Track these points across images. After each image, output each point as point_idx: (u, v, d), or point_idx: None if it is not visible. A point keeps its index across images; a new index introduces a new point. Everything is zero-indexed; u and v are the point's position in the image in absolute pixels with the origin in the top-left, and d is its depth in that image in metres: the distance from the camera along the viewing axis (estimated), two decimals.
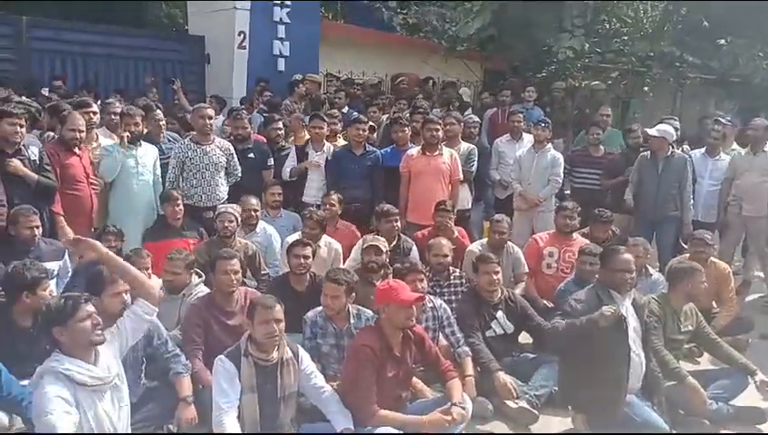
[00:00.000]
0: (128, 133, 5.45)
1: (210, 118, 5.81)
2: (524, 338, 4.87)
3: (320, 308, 4.09)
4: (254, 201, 5.61)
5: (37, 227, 4.44)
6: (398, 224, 5.50)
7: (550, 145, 6.77)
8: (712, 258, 5.44)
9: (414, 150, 6.21)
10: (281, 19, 10.31)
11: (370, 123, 6.95)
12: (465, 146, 6.59)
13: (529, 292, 5.37)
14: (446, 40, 12.29)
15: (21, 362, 3.49)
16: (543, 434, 4.05)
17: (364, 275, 4.67)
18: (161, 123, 6.23)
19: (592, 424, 3.80)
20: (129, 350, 3.29)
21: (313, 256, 4.79)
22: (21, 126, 4.66)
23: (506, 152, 7.17)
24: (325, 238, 5.37)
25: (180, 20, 13.00)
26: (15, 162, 4.60)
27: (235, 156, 5.94)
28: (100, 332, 2.85)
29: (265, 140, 6.74)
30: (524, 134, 7.26)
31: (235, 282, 4.17)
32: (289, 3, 10.32)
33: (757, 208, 6.34)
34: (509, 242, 5.65)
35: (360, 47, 11.67)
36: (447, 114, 7.11)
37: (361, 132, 6.33)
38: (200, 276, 4.59)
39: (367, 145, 6.42)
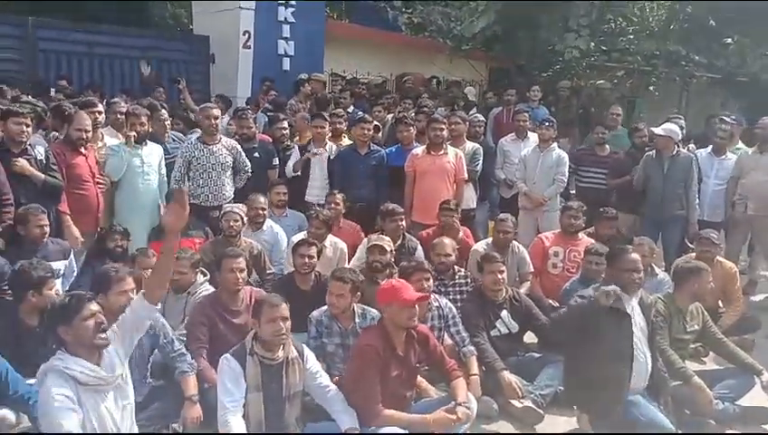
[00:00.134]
0: (134, 133, 5.47)
1: (216, 118, 5.83)
2: (529, 338, 4.86)
3: (325, 307, 4.09)
4: (261, 200, 5.63)
5: (46, 226, 4.46)
6: (403, 223, 5.50)
7: (555, 144, 6.76)
8: (718, 258, 5.43)
9: (419, 150, 6.21)
10: (285, 19, 10.32)
11: (375, 123, 6.95)
12: (470, 145, 6.59)
13: (534, 291, 5.36)
14: (450, 39, 12.27)
15: (27, 361, 3.49)
16: (548, 434, 4.04)
17: (369, 275, 4.67)
18: (166, 123, 6.25)
19: (597, 424, 3.80)
20: (135, 348, 3.29)
21: (319, 256, 4.80)
22: (27, 125, 4.69)
23: (511, 151, 7.17)
24: (330, 238, 5.37)
25: (185, 20, 13.01)
26: (22, 162, 4.62)
27: (242, 153, 5.97)
28: (104, 335, 2.83)
29: (270, 140, 6.75)
30: (530, 133, 7.25)
31: (240, 280, 4.17)
32: (294, 2, 10.34)
33: (764, 207, 6.31)
34: (514, 241, 5.64)
35: (364, 47, 11.67)
36: (453, 113, 7.11)
37: (366, 132, 6.33)
38: (205, 275, 4.60)
39: (372, 144, 6.42)
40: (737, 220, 6.54)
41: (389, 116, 7.92)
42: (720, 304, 5.48)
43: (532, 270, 5.58)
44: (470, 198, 6.49)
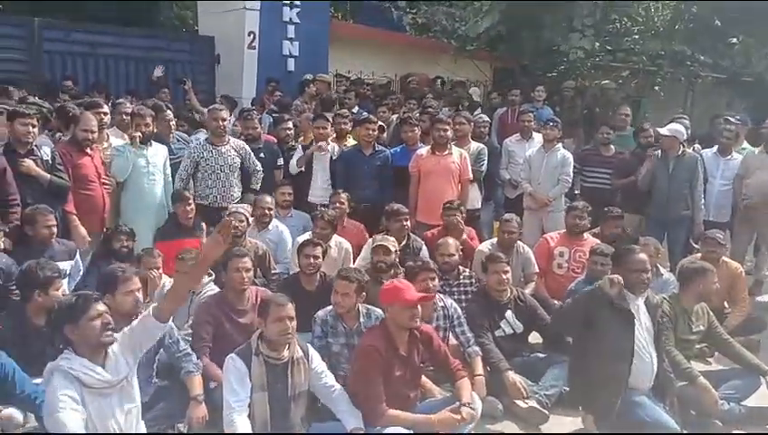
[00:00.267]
0: (139, 133, 5.49)
1: (224, 120, 5.86)
2: (534, 338, 4.86)
3: (330, 307, 4.10)
4: (268, 200, 5.67)
5: (54, 227, 4.48)
6: (408, 223, 5.50)
7: (560, 145, 6.75)
8: (724, 258, 5.42)
9: (423, 150, 6.21)
10: (290, 19, 10.33)
11: (380, 123, 6.95)
12: (474, 145, 6.59)
13: (539, 292, 5.35)
14: (455, 39, 12.27)
15: (34, 361, 3.51)
16: (554, 434, 4.04)
17: (373, 275, 4.67)
18: (171, 123, 6.27)
19: (602, 424, 3.79)
20: None
21: (324, 257, 4.80)
22: (33, 126, 4.70)
23: (516, 152, 7.17)
24: (335, 238, 5.38)
25: (190, 20, 13.04)
26: (28, 162, 4.64)
27: (251, 154, 5.99)
28: (110, 333, 2.83)
29: (275, 141, 6.77)
30: (534, 134, 7.24)
31: (246, 280, 4.18)
32: (298, 3, 10.35)
33: None
34: (519, 242, 5.64)
35: (369, 47, 11.67)
36: (457, 114, 7.11)
37: (371, 132, 6.33)
38: (210, 275, 4.61)
39: (376, 145, 6.42)
40: (742, 220, 6.52)
41: (394, 116, 7.92)
42: (726, 304, 5.46)
43: (537, 270, 5.58)
44: (475, 198, 6.49)
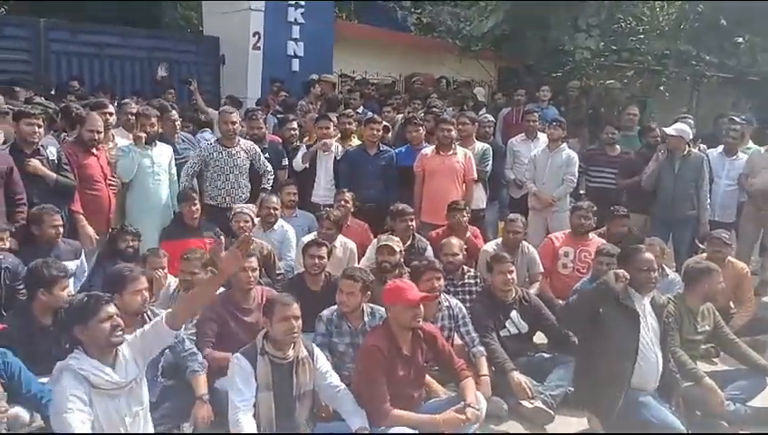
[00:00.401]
0: (144, 134, 5.50)
1: (234, 123, 5.88)
2: (539, 338, 4.85)
3: (335, 307, 4.10)
4: (274, 200, 5.68)
5: (60, 227, 4.50)
6: (413, 223, 5.50)
7: (564, 145, 6.75)
8: (729, 258, 5.41)
9: (428, 150, 6.21)
10: (295, 19, 10.33)
11: (384, 123, 6.96)
12: (479, 145, 6.59)
13: (544, 292, 5.34)
14: (460, 39, 12.26)
15: (40, 360, 3.52)
16: (559, 434, 4.03)
17: (378, 275, 4.67)
18: (176, 123, 6.28)
19: (608, 424, 3.79)
20: None
21: (329, 257, 4.81)
22: (39, 126, 4.73)
23: (521, 152, 7.16)
24: (340, 238, 5.38)
25: (195, 21, 13.06)
26: (35, 162, 4.67)
27: (261, 156, 6.02)
28: (119, 335, 2.84)
29: (280, 141, 6.78)
30: (539, 134, 7.24)
31: (252, 279, 4.20)
32: (303, 3, 10.34)
33: None
34: (524, 242, 5.63)
35: (373, 47, 11.67)
36: (461, 114, 7.11)
37: (375, 132, 6.34)
38: (214, 274, 4.61)
39: (381, 145, 6.42)
40: (748, 220, 6.50)
41: (399, 116, 7.92)
42: (731, 304, 5.44)
43: (542, 270, 5.57)
44: (480, 198, 6.49)
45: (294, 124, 6.99)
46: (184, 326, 3.84)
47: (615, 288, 3.64)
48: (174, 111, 6.39)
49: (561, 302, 5.15)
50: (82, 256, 4.75)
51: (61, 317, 3.69)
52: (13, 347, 3.43)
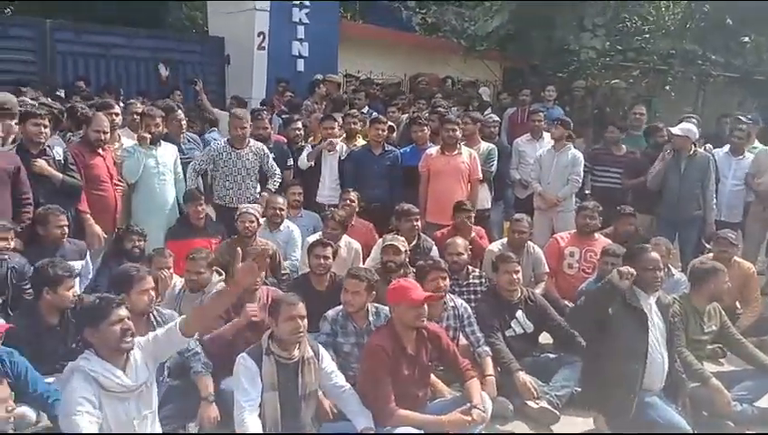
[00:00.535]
0: (148, 134, 5.51)
1: (244, 127, 5.88)
2: (545, 338, 4.84)
3: (340, 307, 4.10)
4: (280, 200, 5.68)
5: (66, 227, 4.51)
6: (419, 223, 5.50)
7: (570, 144, 6.72)
8: (736, 258, 5.39)
9: (433, 150, 6.21)
10: (300, 20, 10.36)
11: (390, 123, 6.96)
12: (484, 145, 6.58)
13: (550, 292, 5.32)
14: (465, 39, 12.26)
15: (47, 359, 3.54)
16: (565, 434, 4.02)
17: (383, 275, 4.67)
18: (182, 123, 6.30)
19: (614, 425, 3.78)
20: None
21: (334, 257, 4.80)
22: (45, 126, 4.73)
23: (527, 152, 7.14)
24: (345, 238, 5.38)
25: (200, 21, 13.10)
26: (41, 162, 4.67)
27: (270, 157, 6.03)
28: (130, 339, 2.84)
29: (285, 141, 6.79)
30: (545, 133, 7.22)
31: (258, 279, 4.19)
32: (308, 3, 10.37)
33: None
34: (529, 242, 5.62)
35: (378, 47, 11.68)
36: (465, 114, 7.11)
37: (380, 132, 6.34)
38: (220, 274, 4.62)
39: (386, 145, 6.42)
40: (754, 220, 6.47)
41: (404, 116, 7.92)
42: (738, 304, 5.42)
43: (548, 270, 5.56)
44: (485, 198, 6.48)
45: (299, 124, 7.00)
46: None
47: (620, 286, 3.64)
48: (180, 111, 6.39)
49: (566, 302, 5.16)
50: (87, 256, 4.76)
51: (68, 317, 3.71)
52: (19, 346, 3.44)
